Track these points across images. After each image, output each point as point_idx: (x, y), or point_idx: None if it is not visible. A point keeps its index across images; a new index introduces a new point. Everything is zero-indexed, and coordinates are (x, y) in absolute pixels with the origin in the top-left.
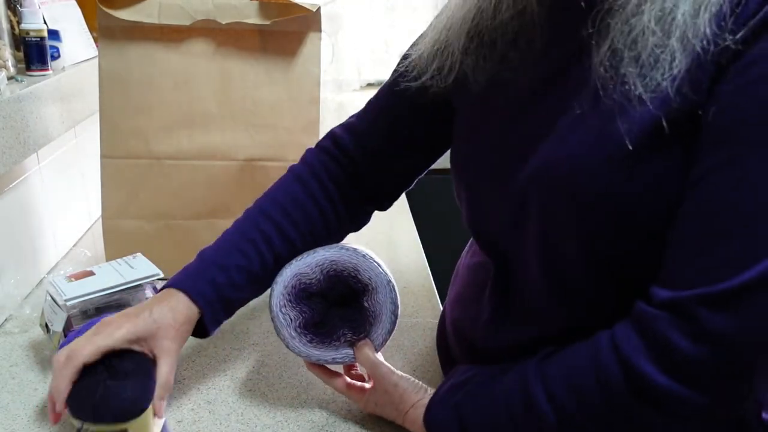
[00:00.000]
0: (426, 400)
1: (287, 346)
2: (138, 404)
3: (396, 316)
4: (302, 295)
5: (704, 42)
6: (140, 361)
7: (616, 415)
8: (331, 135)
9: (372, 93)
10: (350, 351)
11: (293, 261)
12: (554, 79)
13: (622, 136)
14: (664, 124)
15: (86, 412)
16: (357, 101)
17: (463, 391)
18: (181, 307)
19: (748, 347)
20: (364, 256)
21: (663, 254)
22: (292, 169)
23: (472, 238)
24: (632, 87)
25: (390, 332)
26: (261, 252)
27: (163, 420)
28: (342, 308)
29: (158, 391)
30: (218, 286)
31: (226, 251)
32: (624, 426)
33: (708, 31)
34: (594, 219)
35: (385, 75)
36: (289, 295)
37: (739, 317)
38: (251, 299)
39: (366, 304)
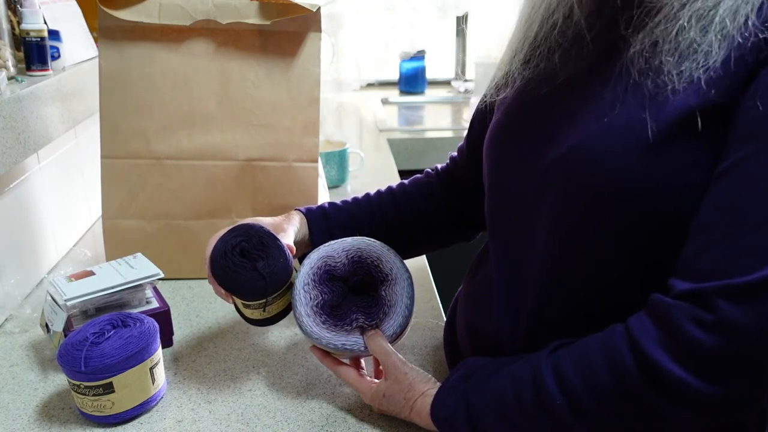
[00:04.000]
0: (434, 390)
1: (300, 326)
2: (290, 268)
3: (410, 312)
4: (326, 276)
5: (746, 34)
6: (266, 236)
7: (626, 401)
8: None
9: (371, 93)
10: (360, 339)
11: (322, 246)
12: (591, 71)
13: (650, 125)
14: (698, 115)
15: (266, 293)
16: (357, 101)
17: (472, 380)
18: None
19: (766, 343)
20: (389, 249)
21: (683, 246)
22: (426, 172)
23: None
24: (667, 77)
25: (402, 327)
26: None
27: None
28: (359, 295)
29: (285, 242)
30: (325, 208)
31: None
32: (633, 413)
33: (750, 22)
34: (610, 207)
35: (385, 75)
36: (314, 275)
37: (759, 311)
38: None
39: (383, 293)
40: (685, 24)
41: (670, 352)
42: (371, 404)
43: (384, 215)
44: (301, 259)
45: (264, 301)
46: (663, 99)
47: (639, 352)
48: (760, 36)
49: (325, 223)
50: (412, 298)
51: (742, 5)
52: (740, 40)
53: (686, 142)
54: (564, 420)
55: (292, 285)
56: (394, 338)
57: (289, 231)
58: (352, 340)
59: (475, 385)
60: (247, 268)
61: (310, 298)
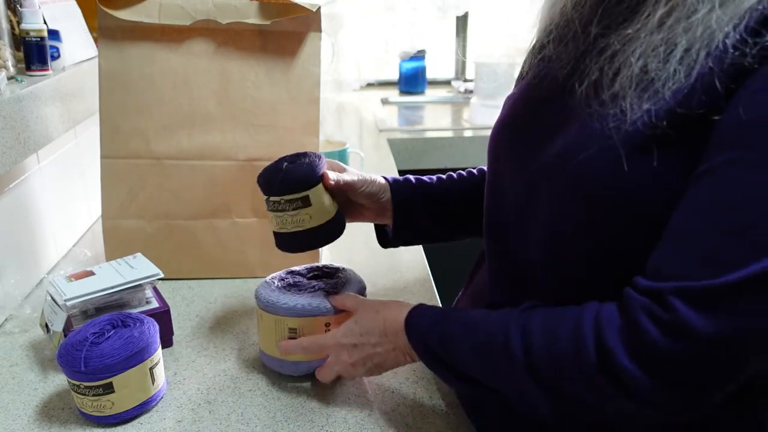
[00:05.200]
0: (409, 306)
1: (261, 299)
2: (310, 177)
3: (364, 294)
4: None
5: (724, 52)
6: (312, 156)
7: (578, 375)
8: None
9: (371, 93)
10: (324, 300)
11: None
12: (579, 75)
13: (628, 135)
14: (655, 138)
15: (275, 188)
16: (357, 101)
17: (450, 317)
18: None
19: (717, 349)
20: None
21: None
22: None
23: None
24: (621, 106)
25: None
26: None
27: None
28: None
29: (325, 167)
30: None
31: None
32: (582, 392)
33: (728, 41)
34: (603, 210)
35: (385, 75)
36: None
37: (716, 318)
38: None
39: (340, 275)
40: (633, 60)
41: (625, 343)
42: (340, 360)
43: (464, 193)
44: (378, 233)
45: (273, 199)
46: (627, 122)
47: (600, 337)
48: (741, 47)
49: (406, 183)
50: (364, 287)
51: (717, 31)
52: (714, 59)
53: (660, 154)
54: (520, 371)
55: (309, 203)
56: None
57: (353, 173)
58: (317, 301)
59: (452, 316)
60: (278, 166)
61: (275, 280)
